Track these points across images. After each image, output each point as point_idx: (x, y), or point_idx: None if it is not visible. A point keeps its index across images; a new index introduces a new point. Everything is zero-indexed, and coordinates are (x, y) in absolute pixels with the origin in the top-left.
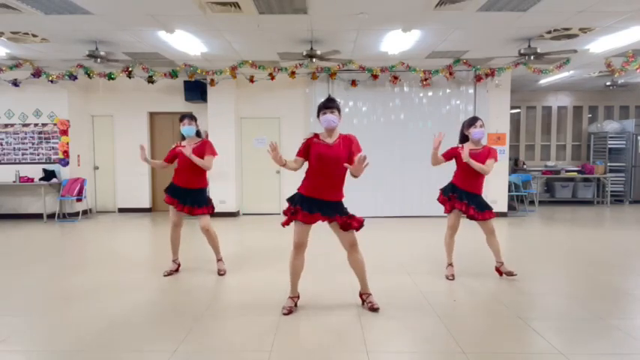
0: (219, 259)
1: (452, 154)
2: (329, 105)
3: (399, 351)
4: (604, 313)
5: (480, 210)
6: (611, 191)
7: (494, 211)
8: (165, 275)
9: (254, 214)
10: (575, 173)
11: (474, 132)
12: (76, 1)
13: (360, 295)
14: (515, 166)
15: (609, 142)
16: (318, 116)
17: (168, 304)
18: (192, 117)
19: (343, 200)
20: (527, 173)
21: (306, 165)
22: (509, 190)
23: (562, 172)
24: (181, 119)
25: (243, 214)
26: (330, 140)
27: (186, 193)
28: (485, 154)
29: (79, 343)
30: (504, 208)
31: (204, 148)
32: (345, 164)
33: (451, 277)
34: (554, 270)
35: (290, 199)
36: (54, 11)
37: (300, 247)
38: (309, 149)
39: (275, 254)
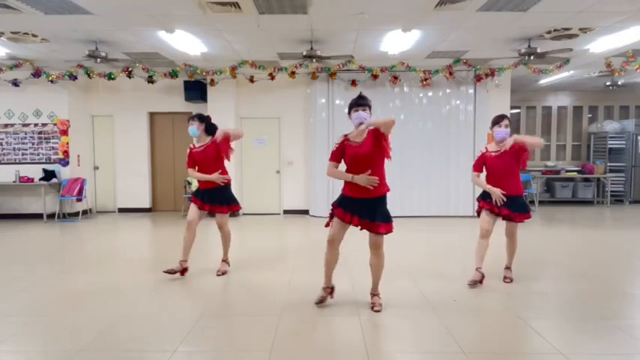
0: (224, 260)
1: (481, 163)
2: (361, 102)
3: (399, 351)
4: (604, 313)
5: (513, 210)
6: (611, 191)
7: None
8: (164, 272)
9: (254, 214)
10: (575, 173)
11: (497, 132)
12: (76, 1)
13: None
14: None
15: (609, 142)
16: (349, 114)
17: (168, 304)
18: (195, 117)
19: (387, 194)
20: (527, 173)
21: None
22: None
23: (562, 172)
24: (188, 120)
25: (244, 214)
26: (360, 139)
27: (213, 192)
28: (511, 153)
29: (79, 343)
30: None
31: (215, 148)
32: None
33: (471, 284)
34: (554, 270)
35: (334, 202)
36: (54, 11)
37: (332, 242)
38: (344, 151)
39: (275, 254)
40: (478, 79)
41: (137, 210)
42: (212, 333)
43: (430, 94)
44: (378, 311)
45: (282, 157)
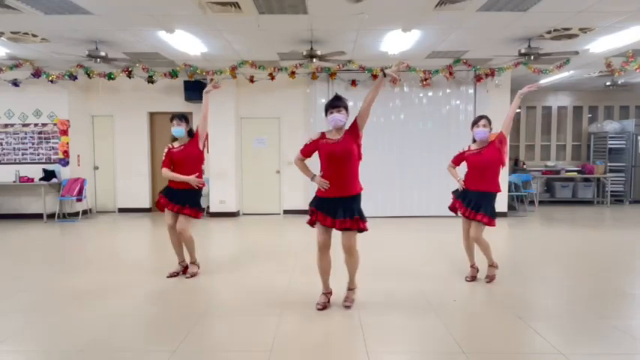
0: (192, 262)
1: (460, 159)
2: (335, 104)
3: (399, 351)
4: (604, 313)
5: (473, 209)
6: (611, 191)
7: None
8: (168, 277)
9: (254, 214)
10: (575, 173)
11: (476, 132)
12: (76, 1)
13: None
14: (515, 166)
15: (609, 142)
16: (325, 115)
17: (168, 304)
18: (181, 117)
19: (361, 193)
20: (527, 173)
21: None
22: (509, 190)
23: (562, 172)
24: (171, 119)
25: (243, 214)
26: (338, 136)
27: (180, 193)
28: (490, 151)
29: (79, 343)
30: (504, 208)
31: (194, 146)
32: (387, 71)
33: (469, 279)
34: (554, 270)
35: (310, 203)
36: (54, 11)
37: (322, 248)
38: (317, 150)
39: (275, 254)
40: (478, 79)
41: (137, 210)
42: (212, 333)
43: (430, 94)
44: (348, 307)
45: (282, 157)
